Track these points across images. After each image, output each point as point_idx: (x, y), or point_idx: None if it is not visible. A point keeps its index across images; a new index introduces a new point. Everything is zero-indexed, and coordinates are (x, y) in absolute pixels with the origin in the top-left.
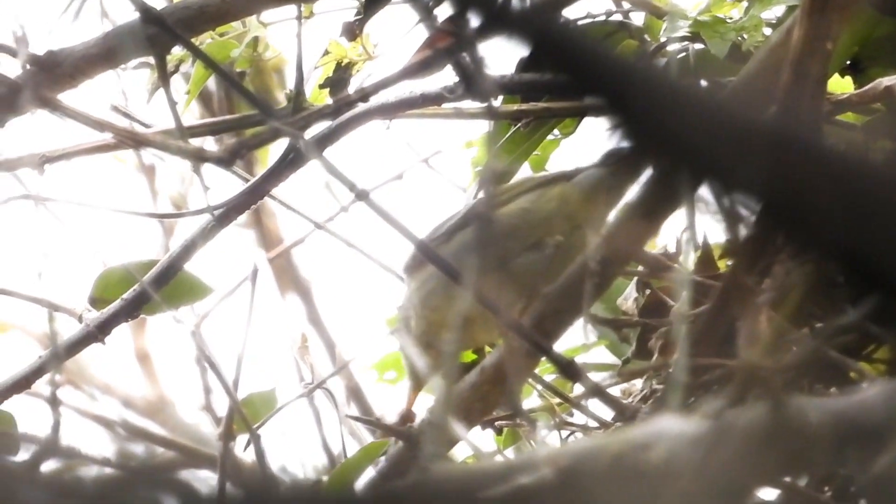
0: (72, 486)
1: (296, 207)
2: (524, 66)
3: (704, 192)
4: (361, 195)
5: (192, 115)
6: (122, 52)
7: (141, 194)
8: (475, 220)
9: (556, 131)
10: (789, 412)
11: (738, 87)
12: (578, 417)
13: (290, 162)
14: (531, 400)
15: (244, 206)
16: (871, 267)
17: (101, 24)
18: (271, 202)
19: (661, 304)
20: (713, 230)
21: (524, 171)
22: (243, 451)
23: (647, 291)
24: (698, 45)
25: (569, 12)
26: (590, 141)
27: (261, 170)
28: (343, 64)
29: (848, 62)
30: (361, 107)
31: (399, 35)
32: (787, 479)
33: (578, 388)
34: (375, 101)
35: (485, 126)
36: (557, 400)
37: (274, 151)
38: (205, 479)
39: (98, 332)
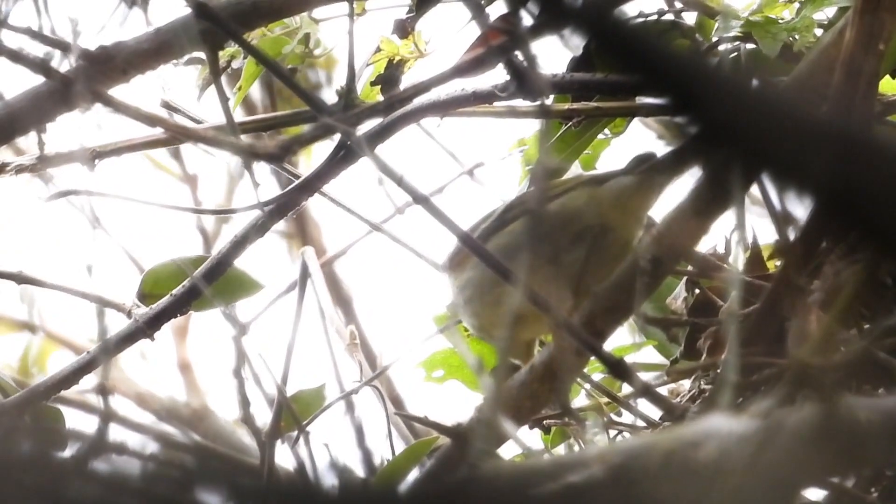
0: (121, 481)
1: (351, 207)
2: (576, 65)
3: (758, 190)
4: (420, 199)
5: (237, 117)
6: (175, 48)
7: (184, 203)
8: (523, 216)
9: (606, 130)
10: (839, 411)
11: (791, 87)
12: (627, 417)
13: (341, 159)
14: (579, 399)
15: (294, 202)
16: None
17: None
18: (316, 209)
19: (709, 304)
20: (762, 231)
21: (575, 170)
22: (292, 447)
23: (697, 291)
24: (750, 45)
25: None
26: (639, 140)
27: (305, 168)
28: (395, 61)
29: None
30: (413, 104)
31: (451, 32)
32: (835, 479)
33: (627, 388)
34: (427, 98)
35: (535, 125)
36: (606, 399)
37: (319, 150)
38: (251, 476)
39: (147, 328)
